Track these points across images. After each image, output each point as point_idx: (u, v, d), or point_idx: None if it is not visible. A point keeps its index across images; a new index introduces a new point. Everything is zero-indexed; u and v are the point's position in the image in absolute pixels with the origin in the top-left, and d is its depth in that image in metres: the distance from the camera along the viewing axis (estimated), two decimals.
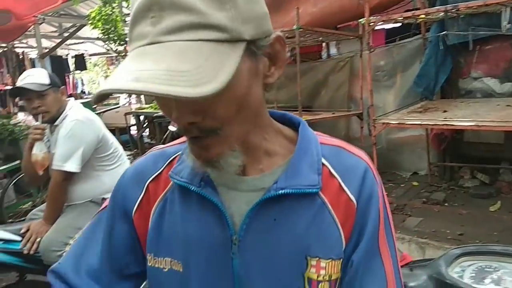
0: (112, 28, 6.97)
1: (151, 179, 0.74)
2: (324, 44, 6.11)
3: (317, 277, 0.64)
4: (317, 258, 0.64)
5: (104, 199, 2.28)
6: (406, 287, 1.12)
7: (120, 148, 2.46)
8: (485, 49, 4.23)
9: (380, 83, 5.03)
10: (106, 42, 7.75)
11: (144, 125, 6.25)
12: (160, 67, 0.49)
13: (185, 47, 0.51)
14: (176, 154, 0.74)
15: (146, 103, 6.94)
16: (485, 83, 4.31)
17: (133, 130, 6.75)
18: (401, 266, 1.21)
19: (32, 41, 8.98)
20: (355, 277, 0.65)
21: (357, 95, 5.02)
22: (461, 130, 3.55)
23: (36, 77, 2.17)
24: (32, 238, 2.10)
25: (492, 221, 3.50)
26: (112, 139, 2.39)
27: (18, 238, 2.16)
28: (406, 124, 3.25)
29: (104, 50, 10.52)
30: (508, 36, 3.59)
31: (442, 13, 3.31)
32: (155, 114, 5.15)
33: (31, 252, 2.09)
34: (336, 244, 0.65)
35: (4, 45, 8.49)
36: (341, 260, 0.65)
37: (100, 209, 0.80)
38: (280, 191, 0.63)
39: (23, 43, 9.51)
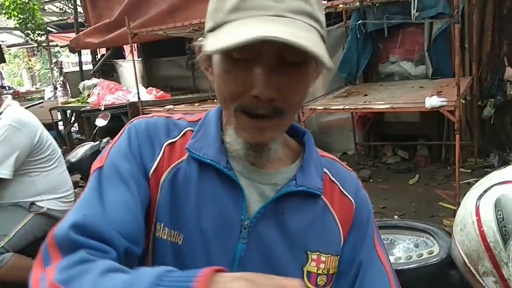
0: (30, 17, 6.50)
1: (168, 142, 0.72)
2: None
3: (317, 270, 0.70)
4: (318, 253, 0.70)
5: (32, 204, 2.18)
6: None
7: (58, 150, 2.36)
8: (401, 34, 4.56)
9: None
10: (25, 32, 7.23)
11: (72, 121, 5.96)
12: (305, 35, 0.56)
13: (308, 28, 0.59)
14: (188, 129, 0.74)
15: (72, 97, 6.62)
16: (401, 67, 4.65)
17: (59, 126, 6.39)
18: None
19: None
20: (363, 274, 0.73)
21: None
22: (380, 112, 3.82)
23: None
24: None
25: (410, 194, 3.83)
26: (50, 140, 2.28)
27: None
28: (331, 109, 3.43)
29: (23, 40, 9.81)
30: (419, 22, 3.90)
31: (358, 3, 3.50)
32: (82, 109, 4.93)
33: None
34: (336, 240, 0.73)
35: None
36: (339, 256, 0.73)
37: (98, 166, 0.70)
38: (299, 188, 0.70)
39: None
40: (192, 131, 0.74)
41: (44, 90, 10.13)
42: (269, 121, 0.63)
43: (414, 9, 3.39)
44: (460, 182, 3.09)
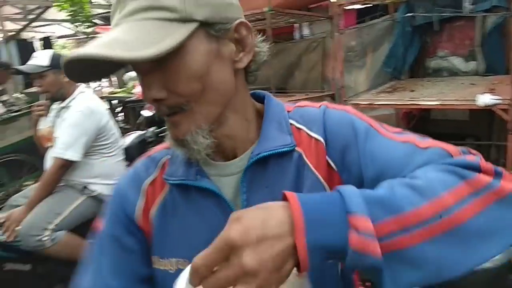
0: (80, 10, 6.75)
1: (147, 183, 0.76)
2: (296, 25, 6.13)
3: None
4: None
5: (85, 187, 2.30)
6: None
7: (119, 140, 2.51)
8: (451, 28, 4.37)
9: (352, 64, 5.12)
10: (74, 24, 7.52)
11: (117, 110, 6.17)
12: (106, 39, 0.56)
13: (134, 24, 0.59)
14: (165, 158, 0.78)
15: (119, 87, 6.84)
16: (450, 62, 4.46)
17: None
18: None
19: None
20: (379, 172, 0.64)
21: (330, 75, 5.10)
22: (428, 108, 3.69)
23: (37, 59, 2.28)
24: (11, 226, 2.11)
25: None
26: (114, 130, 2.44)
27: None
28: (376, 104, 3.35)
29: (72, 32, 10.19)
30: (472, 16, 3.73)
31: None
32: (128, 99, 5.09)
33: (10, 239, 2.10)
34: (318, 188, 0.68)
35: None
36: None
37: (95, 231, 0.78)
38: (255, 157, 0.68)
39: None
40: (168, 159, 0.77)
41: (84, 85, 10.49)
42: (176, 116, 0.64)
43: (467, 2, 3.23)
44: None
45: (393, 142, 0.68)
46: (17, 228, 2.10)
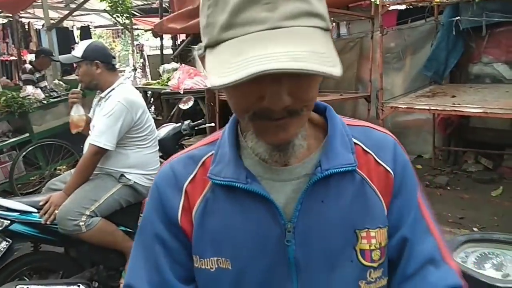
0: (120, 1, 6.89)
1: (187, 182, 0.74)
2: (334, 24, 6.04)
3: (369, 246, 0.69)
4: (366, 229, 0.69)
5: (122, 175, 2.34)
6: None
7: (155, 132, 2.56)
8: (497, 34, 4.20)
9: (390, 65, 5.01)
10: (114, 15, 7.69)
11: (151, 101, 6.26)
12: (306, 49, 0.53)
13: (310, 32, 0.56)
14: (207, 156, 0.76)
15: (152, 79, 6.94)
16: (495, 69, 4.29)
17: None
18: None
19: (38, 12, 8.89)
20: (410, 247, 0.71)
21: (366, 77, 5.00)
22: (469, 115, 3.56)
23: (75, 50, 2.37)
24: (50, 210, 2.17)
25: (493, 206, 3.56)
26: (150, 122, 2.48)
27: (35, 210, 2.23)
28: (415, 108, 3.26)
29: (110, 23, 10.44)
30: None
31: None
32: (163, 91, 5.14)
33: (48, 222, 2.17)
34: (381, 213, 0.70)
35: (9, 15, 8.42)
36: (387, 227, 0.71)
37: (139, 231, 0.80)
38: (325, 173, 0.67)
39: (28, 13, 9.41)
40: (211, 155, 0.75)
41: (124, 70, 10.74)
42: (288, 119, 0.61)
43: None
44: None
45: (427, 230, 0.73)
46: (55, 212, 2.16)
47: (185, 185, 0.74)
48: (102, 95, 2.39)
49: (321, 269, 0.69)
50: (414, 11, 4.86)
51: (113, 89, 2.37)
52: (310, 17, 0.56)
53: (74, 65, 7.46)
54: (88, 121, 2.46)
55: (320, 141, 0.73)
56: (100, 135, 2.24)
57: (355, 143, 0.72)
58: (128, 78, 9.89)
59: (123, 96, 2.31)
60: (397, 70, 5.12)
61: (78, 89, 2.45)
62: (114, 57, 2.46)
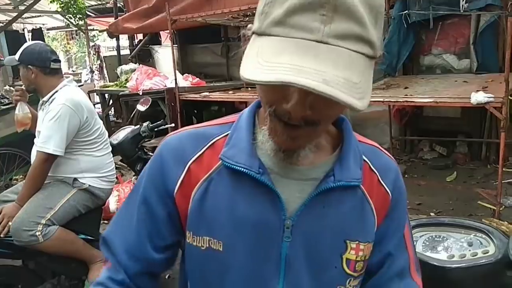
0: (72, 2, 6.66)
1: (192, 159, 0.75)
2: None
3: (356, 257, 0.73)
4: (357, 242, 0.73)
5: (75, 179, 2.27)
6: None
7: (105, 134, 2.47)
8: (446, 26, 4.39)
9: None
10: (66, 16, 7.42)
11: (110, 104, 6.11)
12: (341, 75, 0.53)
13: (352, 57, 0.55)
14: (220, 136, 0.76)
15: (110, 81, 6.78)
16: (444, 60, 4.50)
17: (97, 109, 6.57)
18: None
19: None
20: (391, 264, 0.78)
21: None
22: (421, 106, 3.72)
23: (18, 52, 2.31)
24: (3, 222, 2.08)
25: (448, 191, 3.73)
26: (98, 125, 2.39)
27: None
28: (370, 101, 3.35)
29: (63, 24, 10.07)
30: (467, 14, 3.75)
31: None
32: (121, 93, 5.03)
33: (2, 235, 2.08)
34: (372, 229, 0.75)
35: None
36: (373, 242, 0.76)
37: (133, 188, 0.82)
38: (338, 183, 0.70)
39: None
40: (224, 137, 0.75)
41: (81, 73, 10.41)
42: (301, 130, 0.62)
43: (464, 0, 3.25)
44: (502, 182, 2.98)
45: (405, 248, 0.80)
46: (9, 224, 2.08)
47: (190, 161, 0.74)
48: (45, 99, 2.28)
49: (308, 270, 0.71)
50: None
51: (56, 91, 2.26)
52: (360, 42, 0.55)
53: None
54: (35, 118, 2.39)
55: (332, 149, 0.75)
56: (48, 140, 2.14)
57: (364, 160, 0.76)
58: (86, 81, 9.59)
59: (67, 98, 2.21)
60: None
61: (22, 87, 2.38)
62: (55, 60, 2.32)
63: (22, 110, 2.38)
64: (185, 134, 0.78)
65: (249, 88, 4.96)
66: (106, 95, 6.00)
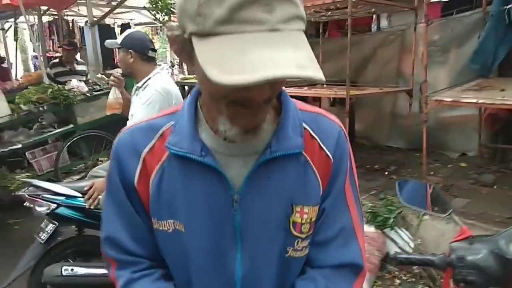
0: None
1: (146, 151, 0.80)
2: (374, 16, 5.90)
3: (301, 220, 0.78)
4: (301, 205, 0.78)
5: None
6: (465, 260, 1.11)
7: None
8: None
9: (432, 59, 4.82)
10: (153, 12, 7.84)
11: (188, 94, 6.34)
12: (304, 55, 0.57)
13: (299, 35, 0.60)
14: (166, 126, 0.80)
15: (189, 74, 7.04)
16: None
17: None
18: (460, 240, 1.20)
19: (82, 10, 9.22)
20: (327, 219, 0.81)
21: (407, 70, 4.84)
22: None
23: (119, 37, 2.55)
24: (94, 195, 2.24)
25: None
26: None
27: (79, 195, 2.31)
28: (461, 102, 3.12)
29: (149, 20, 10.67)
30: None
31: None
32: None
33: (92, 207, 2.23)
34: (317, 193, 0.80)
35: (55, 13, 8.78)
36: (319, 205, 0.81)
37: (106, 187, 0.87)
38: (274, 154, 0.74)
39: (73, 11, 9.77)
40: (170, 127, 0.80)
41: (163, 66, 10.94)
42: (260, 107, 0.67)
43: None
44: None
45: (346, 208, 0.83)
46: (99, 197, 2.23)
47: (144, 153, 0.80)
48: (139, 84, 2.43)
49: (262, 238, 0.77)
50: (458, 3, 4.66)
51: (150, 78, 2.39)
52: (299, 20, 0.60)
53: (115, 60, 7.60)
54: (128, 103, 2.53)
55: (275, 120, 0.78)
56: None
57: (304, 127, 0.79)
58: (166, 69, 10.08)
59: (160, 85, 2.33)
60: (441, 64, 4.92)
61: (118, 74, 2.58)
62: (152, 49, 2.46)
63: (114, 95, 2.57)
64: (136, 128, 0.84)
65: (325, 86, 4.87)
66: (186, 87, 6.25)
